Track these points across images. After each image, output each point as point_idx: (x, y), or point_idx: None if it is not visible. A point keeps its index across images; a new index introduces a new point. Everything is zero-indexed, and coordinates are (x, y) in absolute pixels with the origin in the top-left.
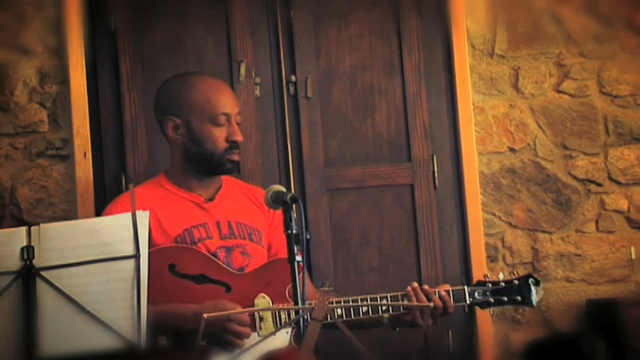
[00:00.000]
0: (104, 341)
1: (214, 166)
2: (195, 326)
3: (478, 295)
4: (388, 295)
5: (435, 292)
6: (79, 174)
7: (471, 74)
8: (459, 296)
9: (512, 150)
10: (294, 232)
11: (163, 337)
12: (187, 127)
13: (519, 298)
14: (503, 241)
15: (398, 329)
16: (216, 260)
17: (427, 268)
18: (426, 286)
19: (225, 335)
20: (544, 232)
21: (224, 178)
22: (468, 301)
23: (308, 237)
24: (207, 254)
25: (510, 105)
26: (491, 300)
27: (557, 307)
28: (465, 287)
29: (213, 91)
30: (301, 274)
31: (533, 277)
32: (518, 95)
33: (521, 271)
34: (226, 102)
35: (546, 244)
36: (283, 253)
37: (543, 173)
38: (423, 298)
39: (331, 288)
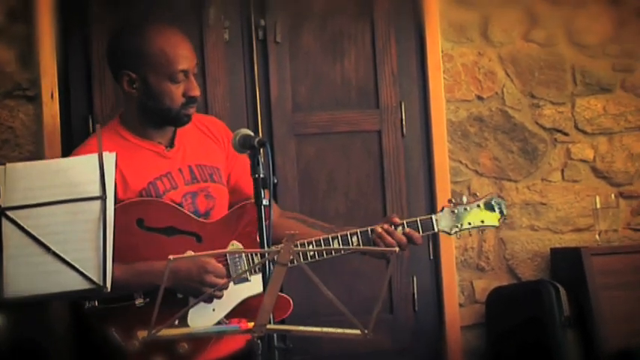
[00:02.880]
0: (69, 282)
1: (171, 120)
2: (169, 283)
3: (444, 222)
4: (358, 230)
5: (403, 223)
6: (46, 115)
7: (440, 21)
8: (426, 226)
9: (480, 98)
10: (262, 176)
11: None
12: (144, 83)
13: (484, 219)
14: (469, 189)
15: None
16: (184, 211)
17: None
18: (387, 225)
19: (203, 288)
20: (510, 180)
21: None
22: (435, 229)
23: (275, 181)
24: (175, 205)
25: (479, 53)
26: (458, 225)
27: (522, 255)
28: (432, 216)
29: (172, 46)
30: (268, 219)
31: (498, 196)
32: (487, 43)
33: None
34: (184, 57)
35: (512, 193)
36: (244, 183)
37: (510, 122)
38: (390, 240)
39: (296, 232)
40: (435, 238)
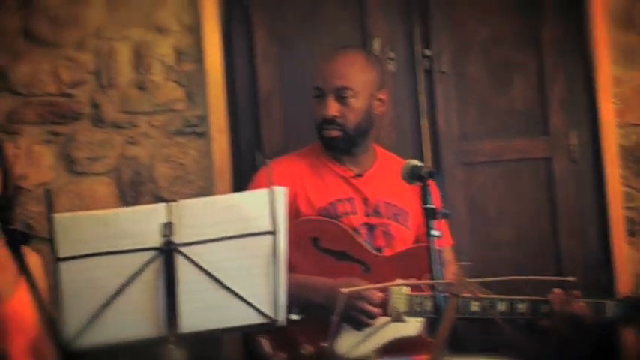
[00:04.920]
0: (243, 316)
1: (321, 141)
2: (326, 301)
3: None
4: (527, 298)
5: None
6: (215, 151)
7: (608, 46)
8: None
9: None
10: (431, 206)
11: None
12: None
13: None
14: None
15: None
16: (359, 239)
17: (565, 242)
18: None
19: (355, 313)
20: None
21: (381, 153)
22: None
23: (446, 212)
24: (351, 231)
25: None
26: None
27: None
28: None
29: (323, 61)
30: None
31: None
32: None
33: None
34: (323, 74)
35: None
36: None
37: None
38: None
39: (469, 262)
40: None
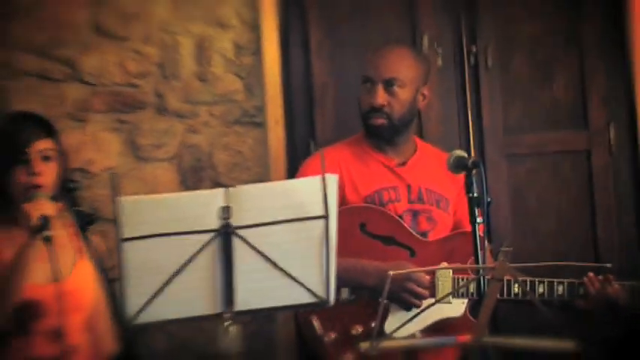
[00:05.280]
0: (295, 296)
1: (366, 129)
2: (376, 283)
3: None
4: (565, 281)
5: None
6: (272, 140)
7: None
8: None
9: None
10: (475, 195)
11: (346, 290)
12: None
13: None
14: None
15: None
16: (404, 224)
17: (602, 231)
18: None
19: (403, 294)
20: None
21: (420, 144)
22: None
23: (489, 200)
24: (397, 217)
25: None
26: None
27: None
28: None
29: (374, 54)
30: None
31: None
32: None
33: None
34: (375, 65)
35: None
36: (466, 221)
37: None
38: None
39: (510, 248)
40: None
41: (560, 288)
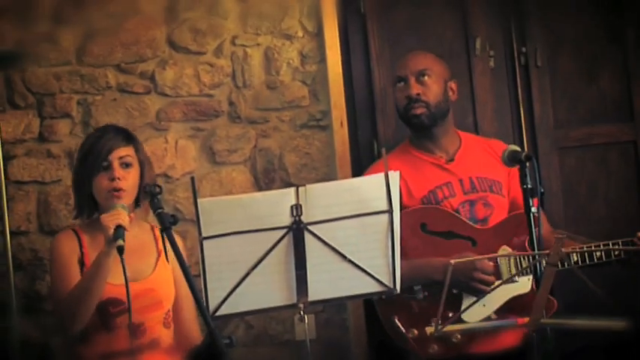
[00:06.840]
0: (363, 286)
1: (407, 124)
2: (443, 276)
3: None
4: (620, 240)
5: None
6: (337, 141)
7: None
8: None
9: None
10: (529, 186)
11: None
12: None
13: None
14: None
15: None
16: (461, 217)
17: None
18: None
19: (472, 283)
20: None
21: (463, 136)
22: None
23: (542, 191)
24: (453, 212)
25: None
26: None
27: None
28: None
29: (403, 58)
30: (537, 226)
31: None
32: None
33: None
34: (405, 64)
35: None
36: (521, 198)
37: None
38: None
39: (565, 234)
40: None
41: (615, 246)
